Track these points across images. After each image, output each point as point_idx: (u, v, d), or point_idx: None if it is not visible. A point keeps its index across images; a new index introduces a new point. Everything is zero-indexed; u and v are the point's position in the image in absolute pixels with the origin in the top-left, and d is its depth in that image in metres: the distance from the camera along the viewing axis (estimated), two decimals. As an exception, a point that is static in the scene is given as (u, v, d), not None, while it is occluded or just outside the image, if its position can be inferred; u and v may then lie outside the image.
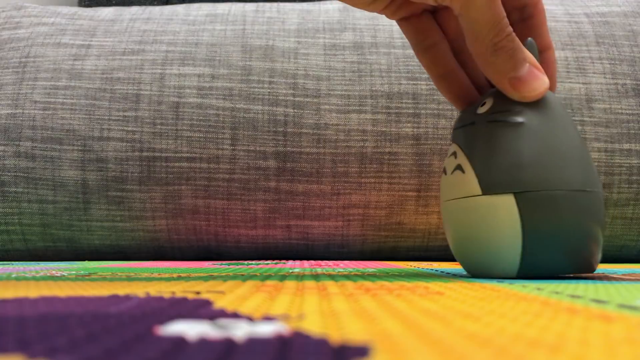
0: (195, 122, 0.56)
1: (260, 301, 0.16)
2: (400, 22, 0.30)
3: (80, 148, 0.56)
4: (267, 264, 0.45)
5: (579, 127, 0.56)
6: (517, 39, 0.26)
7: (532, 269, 0.25)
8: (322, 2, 0.65)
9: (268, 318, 0.12)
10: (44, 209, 0.56)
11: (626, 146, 0.57)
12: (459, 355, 0.09)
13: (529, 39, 0.28)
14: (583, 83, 0.58)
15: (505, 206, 0.25)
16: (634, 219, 0.57)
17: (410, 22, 0.30)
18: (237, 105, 0.56)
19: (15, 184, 0.56)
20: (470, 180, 0.26)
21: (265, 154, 0.56)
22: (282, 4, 0.65)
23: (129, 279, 0.26)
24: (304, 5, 0.64)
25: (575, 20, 0.62)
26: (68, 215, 0.56)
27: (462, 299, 0.17)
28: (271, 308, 0.14)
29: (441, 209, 0.28)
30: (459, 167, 0.26)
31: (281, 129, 0.56)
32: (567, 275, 0.27)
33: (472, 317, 0.13)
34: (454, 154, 0.27)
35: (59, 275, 0.29)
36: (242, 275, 0.29)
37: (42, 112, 0.57)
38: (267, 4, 0.65)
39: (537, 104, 0.26)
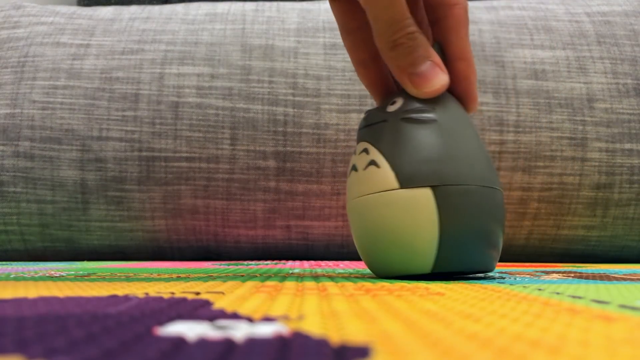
0: (194, 122, 0.56)
1: (260, 302, 0.16)
2: (331, 1, 0.31)
3: (79, 148, 0.56)
4: (267, 264, 0.45)
5: (580, 127, 0.56)
6: (420, 37, 0.27)
7: (446, 264, 0.25)
8: (321, 1, 0.65)
9: (268, 319, 0.12)
10: (42, 209, 0.56)
11: (627, 146, 0.57)
12: (460, 355, 0.08)
13: (436, 43, 0.28)
14: (584, 83, 0.58)
15: (423, 199, 0.25)
16: (635, 219, 0.57)
17: (339, 2, 0.30)
18: (236, 105, 0.56)
19: (14, 184, 0.56)
20: (386, 175, 0.26)
21: (265, 153, 0.56)
22: (281, 3, 0.65)
23: (128, 279, 0.26)
24: (304, 4, 0.64)
25: (576, 20, 0.61)
26: (67, 215, 0.56)
27: (462, 299, 0.17)
28: (271, 309, 0.14)
29: (349, 207, 0.28)
30: (373, 163, 0.27)
31: (281, 129, 0.56)
32: (475, 272, 0.27)
33: (473, 318, 0.13)
34: (365, 150, 0.27)
35: (57, 275, 0.29)
36: (242, 275, 0.29)
37: (40, 111, 0.57)
38: (267, 3, 0.65)
39: (445, 103, 0.27)
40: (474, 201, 0.25)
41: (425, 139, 0.26)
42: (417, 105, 0.27)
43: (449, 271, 0.26)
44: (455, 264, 0.25)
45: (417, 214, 0.25)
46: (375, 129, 0.27)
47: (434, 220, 0.25)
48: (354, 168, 0.28)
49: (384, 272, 0.27)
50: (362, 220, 0.27)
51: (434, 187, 0.25)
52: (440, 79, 0.27)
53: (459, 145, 0.26)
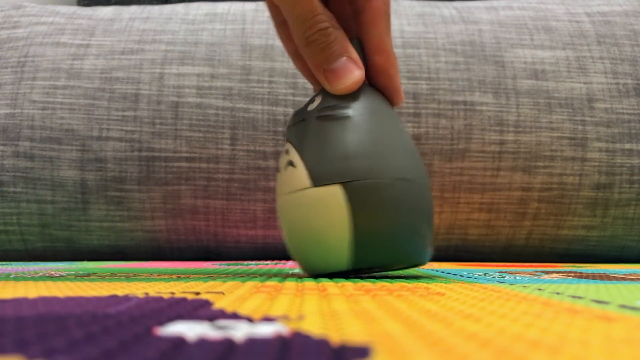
0: (194, 122, 0.56)
1: (260, 302, 0.16)
2: None
3: (79, 148, 0.56)
4: (267, 264, 0.45)
5: (580, 127, 0.56)
6: (335, 33, 0.27)
7: (364, 260, 0.25)
8: (321, 1, 0.65)
9: (268, 319, 0.12)
10: (42, 209, 0.56)
11: (627, 146, 0.57)
12: (460, 356, 0.08)
13: (354, 38, 0.28)
14: (584, 83, 0.58)
15: (334, 196, 0.25)
16: (635, 219, 0.57)
17: None
18: (236, 105, 0.56)
19: (14, 184, 0.56)
20: (300, 174, 0.26)
21: (265, 153, 0.56)
22: (281, 4, 0.65)
23: (128, 279, 0.26)
24: (304, 4, 0.64)
25: (577, 20, 0.61)
26: (67, 215, 0.56)
27: (462, 299, 0.17)
28: (271, 309, 0.14)
29: (277, 207, 0.28)
30: (290, 163, 0.27)
31: (281, 129, 0.56)
32: (399, 267, 0.27)
33: (473, 318, 0.13)
34: (287, 151, 0.28)
35: (57, 275, 0.29)
36: (242, 275, 0.29)
37: (40, 111, 0.57)
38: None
39: (364, 98, 0.27)
40: (387, 195, 0.25)
41: (337, 136, 0.26)
42: (333, 102, 0.27)
43: (368, 266, 0.26)
44: (374, 259, 0.25)
45: (328, 211, 0.25)
46: (296, 129, 0.28)
47: (345, 217, 0.25)
48: (278, 169, 0.28)
49: (307, 270, 0.27)
50: (284, 221, 0.27)
51: (344, 184, 0.25)
52: (353, 76, 0.27)
53: (373, 139, 0.26)
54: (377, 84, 0.28)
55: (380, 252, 0.25)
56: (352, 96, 0.27)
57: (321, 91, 0.28)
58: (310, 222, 0.26)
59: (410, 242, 0.26)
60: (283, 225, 0.27)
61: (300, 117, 0.28)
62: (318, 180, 0.25)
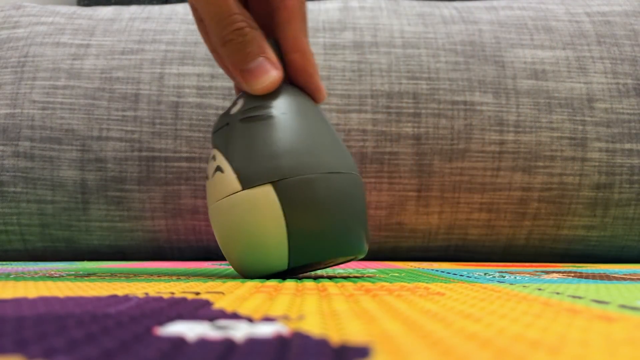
0: (194, 122, 0.56)
1: (260, 302, 0.16)
2: None
3: (79, 148, 0.56)
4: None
5: (580, 127, 0.56)
6: (251, 33, 0.27)
7: (302, 257, 0.25)
8: (322, 1, 0.65)
9: (268, 319, 0.12)
10: (42, 209, 0.56)
11: (627, 146, 0.57)
12: (460, 356, 0.08)
13: (272, 38, 0.28)
14: (584, 82, 0.58)
15: (265, 196, 0.25)
16: (635, 219, 0.57)
17: None
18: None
19: (14, 184, 0.56)
20: (229, 179, 0.26)
21: (265, 153, 0.56)
22: (281, 4, 0.64)
23: (128, 279, 0.26)
24: (304, 4, 0.64)
25: (576, 20, 0.62)
26: (67, 215, 0.56)
27: (462, 299, 0.17)
28: (271, 309, 0.14)
29: (209, 216, 0.28)
30: (218, 169, 0.27)
31: (281, 129, 0.56)
32: (338, 262, 0.27)
33: (473, 318, 0.13)
34: (214, 157, 0.28)
35: (57, 275, 0.29)
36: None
37: (41, 111, 0.57)
38: (267, 4, 0.65)
39: (284, 98, 0.27)
40: (318, 189, 0.25)
41: (262, 137, 0.26)
42: (255, 103, 0.27)
43: (307, 263, 0.26)
44: (311, 255, 0.25)
45: (261, 212, 0.25)
46: (220, 134, 0.28)
47: (279, 216, 0.25)
48: (206, 176, 0.28)
49: (247, 274, 0.27)
50: (218, 229, 0.27)
51: (274, 183, 0.25)
52: (270, 76, 0.27)
53: (298, 137, 0.26)
54: (297, 82, 0.28)
55: (317, 247, 0.25)
56: (273, 96, 0.27)
57: (243, 94, 0.28)
58: (244, 226, 0.26)
59: (345, 235, 0.26)
60: (217, 233, 0.27)
61: (224, 121, 0.28)
62: (247, 182, 0.25)
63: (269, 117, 0.26)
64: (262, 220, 0.25)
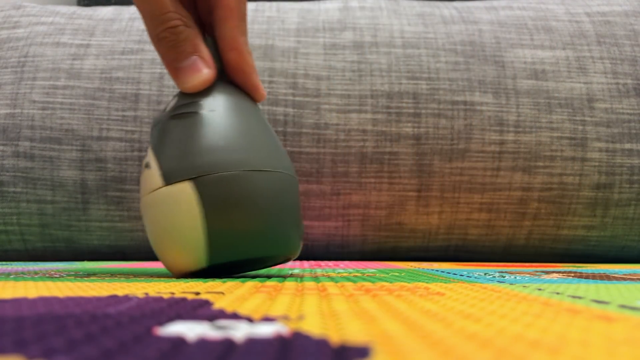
0: (194, 122, 0.56)
1: (260, 302, 0.16)
2: None
3: (79, 148, 0.56)
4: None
5: (580, 127, 0.56)
6: (186, 31, 0.27)
7: (221, 255, 0.25)
8: (322, 1, 0.65)
9: (268, 319, 0.12)
10: (42, 209, 0.56)
11: (627, 146, 0.57)
12: (460, 356, 0.08)
13: (209, 36, 0.29)
14: (584, 83, 0.58)
15: (184, 193, 0.25)
16: (635, 219, 0.57)
17: None
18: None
19: (14, 184, 0.56)
20: (154, 174, 0.26)
21: (265, 153, 0.56)
22: (281, 3, 0.65)
23: (128, 279, 0.26)
24: (304, 4, 0.64)
25: (576, 20, 0.61)
26: (67, 215, 0.56)
27: (462, 299, 0.17)
28: (271, 309, 0.14)
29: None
30: (147, 165, 0.27)
31: (281, 129, 0.56)
32: (265, 263, 0.27)
33: (473, 318, 0.13)
34: (147, 154, 0.28)
35: (57, 275, 0.29)
36: (242, 276, 0.29)
37: (40, 111, 0.57)
38: (267, 3, 0.65)
39: (217, 96, 0.27)
40: (238, 187, 0.25)
41: (186, 133, 0.26)
42: (185, 101, 0.27)
43: (226, 262, 0.25)
44: (231, 253, 0.25)
45: (180, 208, 0.25)
46: (154, 131, 0.28)
47: (197, 213, 0.25)
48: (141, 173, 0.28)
49: (172, 270, 0.27)
50: (145, 223, 0.27)
51: (193, 180, 0.25)
52: (202, 74, 0.27)
53: (223, 134, 0.26)
54: (234, 80, 0.29)
55: (236, 245, 0.25)
56: (205, 94, 0.27)
57: (177, 92, 0.28)
58: (165, 222, 0.26)
59: (269, 233, 0.25)
60: (146, 227, 0.27)
61: (158, 119, 0.28)
62: (169, 178, 0.25)
63: (196, 114, 0.26)
64: (180, 216, 0.25)
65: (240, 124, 0.27)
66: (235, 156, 0.25)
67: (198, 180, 0.25)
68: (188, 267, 0.26)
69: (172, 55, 0.27)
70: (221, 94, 0.27)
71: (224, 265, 0.26)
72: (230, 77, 0.29)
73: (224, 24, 0.28)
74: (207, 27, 0.30)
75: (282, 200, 0.26)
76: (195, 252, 0.25)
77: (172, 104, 0.28)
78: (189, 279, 0.26)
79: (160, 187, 0.26)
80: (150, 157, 0.27)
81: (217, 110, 0.27)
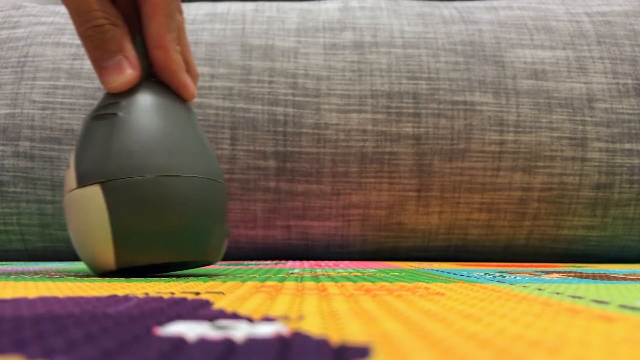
0: (194, 122, 0.56)
1: (260, 302, 0.16)
2: None
3: (79, 148, 0.56)
4: (267, 264, 0.45)
5: (580, 127, 0.56)
6: (112, 30, 0.27)
7: (127, 258, 0.25)
8: (322, 1, 0.65)
9: (268, 319, 0.12)
10: (42, 209, 0.56)
11: (627, 146, 0.57)
12: (460, 356, 0.08)
13: (138, 35, 0.28)
14: (584, 83, 0.58)
15: (93, 196, 0.25)
16: (635, 219, 0.57)
17: None
18: (236, 105, 0.56)
19: (14, 184, 0.56)
20: (71, 176, 0.26)
21: (265, 153, 0.56)
22: (281, 3, 0.65)
23: (128, 279, 0.26)
24: (304, 4, 0.64)
25: (577, 20, 0.61)
26: (67, 215, 0.56)
27: (462, 299, 0.17)
28: (271, 309, 0.14)
29: None
30: (69, 166, 0.27)
31: (281, 129, 0.56)
32: (177, 263, 0.27)
33: (473, 318, 0.13)
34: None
35: (57, 275, 0.29)
36: (242, 276, 0.29)
37: (41, 111, 0.57)
38: (267, 3, 0.65)
39: (140, 96, 0.27)
40: (145, 192, 0.25)
41: (101, 136, 0.26)
42: (107, 101, 0.27)
43: (135, 265, 0.25)
44: (137, 257, 0.25)
45: (89, 211, 0.25)
46: (80, 131, 0.28)
47: (104, 216, 0.25)
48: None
49: (89, 269, 0.27)
50: (65, 222, 0.27)
51: (102, 183, 0.25)
52: (125, 75, 0.27)
53: (138, 137, 0.26)
54: (162, 79, 0.28)
55: (143, 249, 0.25)
56: (128, 94, 0.27)
57: (105, 92, 0.28)
58: (78, 223, 0.26)
59: (178, 238, 0.25)
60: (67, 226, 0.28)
61: (86, 118, 0.28)
62: (81, 180, 0.26)
63: (114, 115, 0.26)
64: (90, 219, 0.25)
65: (159, 127, 0.26)
66: (146, 160, 0.25)
67: (107, 184, 0.25)
68: (99, 268, 0.26)
69: (97, 54, 0.27)
70: (146, 94, 0.27)
71: (137, 268, 0.26)
72: (158, 75, 0.28)
73: (151, 22, 0.28)
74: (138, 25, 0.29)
75: (197, 205, 0.26)
76: (105, 255, 0.25)
77: (97, 103, 0.28)
78: (189, 279, 0.26)
79: (74, 189, 0.26)
80: (71, 158, 0.27)
81: (136, 112, 0.26)
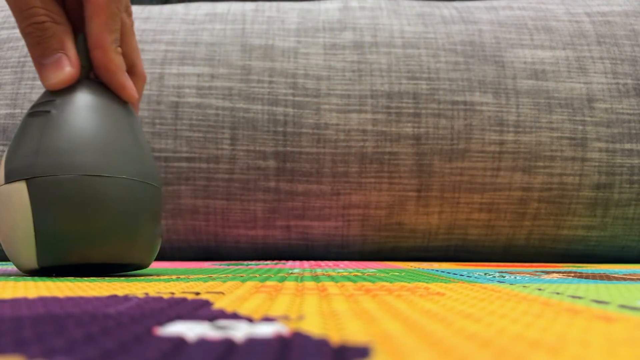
0: (194, 122, 0.56)
1: (260, 302, 0.16)
2: None
3: (79, 148, 0.56)
4: (267, 264, 0.45)
5: (580, 127, 0.56)
6: (53, 28, 0.27)
7: (49, 258, 0.25)
8: (322, 1, 0.65)
9: (268, 319, 0.12)
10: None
11: (627, 146, 0.57)
12: (460, 356, 0.08)
13: (80, 33, 0.28)
14: (584, 83, 0.58)
15: (18, 193, 0.25)
16: (635, 219, 0.57)
17: None
18: (236, 105, 0.56)
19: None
20: (1, 172, 0.26)
21: (265, 153, 0.56)
22: (281, 3, 0.65)
23: (128, 279, 0.26)
24: (304, 4, 0.64)
25: (577, 20, 0.61)
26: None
27: (462, 299, 0.17)
28: (271, 309, 0.14)
29: None
30: (1, 160, 0.27)
31: (281, 129, 0.56)
32: (103, 265, 0.27)
33: (473, 318, 0.13)
34: None
35: (57, 275, 0.29)
36: (242, 276, 0.29)
37: (41, 111, 0.57)
38: (267, 3, 0.65)
39: (76, 95, 0.27)
40: (67, 191, 0.25)
41: (30, 133, 0.26)
42: (44, 98, 0.27)
43: (58, 265, 0.25)
44: (59, 257, 0.25)
45: (13, 208, 0.25)
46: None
47: (28, 214, 0.25)
48: None
49: (16, 266, 0.27)
50: None
51: (27, 180, 0.25)
52: (62, 73, 0.27)
53: (64, 136, 0.25)
54: (102, 79, 0.28)
55: (64, 249, 0.25)
56: (65, 92, 0.27)
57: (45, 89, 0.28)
58: (2, 220, 0.26)
59: (103, 241, 0.25)
60: None
61: (25, 115, 0.28)
62: (8, 177, 0.26)
63: (47, 113, 0.26)
64: (13, 216, 0.25)
65: (90, 126, 0.26)
66: (73, 159, 0.25)
67: (32, 182, 0.25)
68: (22, 267, 0.26)
69: (37, 51, 0.27)
70: (82, 93, 0.27)
71: (61, 267, 0.26)
72: (98, 75, 0.28)
73: (91, 22, 0.28)
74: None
75: (124, 207, 0.26)
76: (27, 253, 0.25)
77: (36, 100, 0.28)
78: (189, 279, 0.26)
79: (1, 185, 0.26)
80: (5, 153, 0.27)
81: (69, 110, 0.26)
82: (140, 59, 0.32)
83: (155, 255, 0.29)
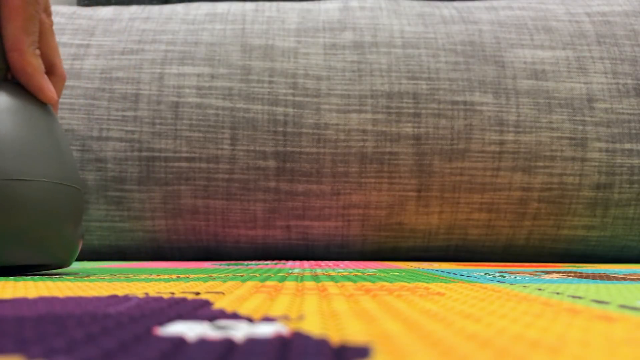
0: (194, 122, 0.56)
1: (260, 302, 0.16)
2: None
3: (79, 148, 0.56)
4: (267, 264, 0.45)
5: (580, 127, 0.56)
6: None
7: None
8: (322, 1, 0.65)
9: (268, 319, 0.12)
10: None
11: (627, 146, 0.57)
12: (460, 356, 0.08)
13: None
14: (584, 83, 0.58)
15: None
16: (635, 219, 0.57)
17: None
18: (236, 105, 0.56)
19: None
20: None
21: (265, 153, 0.56)
22: (281, 3, 0.65)
23: (128, 279, 0.26)
24: (304, 4, 0.64)
25: (577, 20, 0.61)
26: (67, 215, 0.56)
27: (462, 299, 0.17)
28: (271, 309, 0.14)
29: None
30: None
31: (281, 129, 0.56)
32: (24, 266, 0.27)
33: (473, 318, 0.13)
34: None
35: (57, 275, 0.29)
36: (242, 275, 0.29)
37: (41, 111, 0.57)
38: (267, 3, 0.65)
39: None
40: None
41: None
42: None
43: None
44: None
45: None
46: None
47: None
48: None
49: None
50: None
51: None
52: None
53: None
54: (20, 82, 0.28)
55: None
56: None
57: None
58: None
59: (20, 242, 0.25)
60: None
61: None
62: None
63: None
64: None
65: (7, 129, 0.26)
66: None
67: None
68: None
69: None
70: (6, 95, 0.27)
71: None
72: (15, 78, 0.28)
73: (7, 24, 0.28)
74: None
75: (41, 209, 0.26)
76: None
77: None
78: (189, 279, 0.26)
79: None
80: None
81: None
82: (59, 58, 0.32)
83: (76, 255, 0.30)
